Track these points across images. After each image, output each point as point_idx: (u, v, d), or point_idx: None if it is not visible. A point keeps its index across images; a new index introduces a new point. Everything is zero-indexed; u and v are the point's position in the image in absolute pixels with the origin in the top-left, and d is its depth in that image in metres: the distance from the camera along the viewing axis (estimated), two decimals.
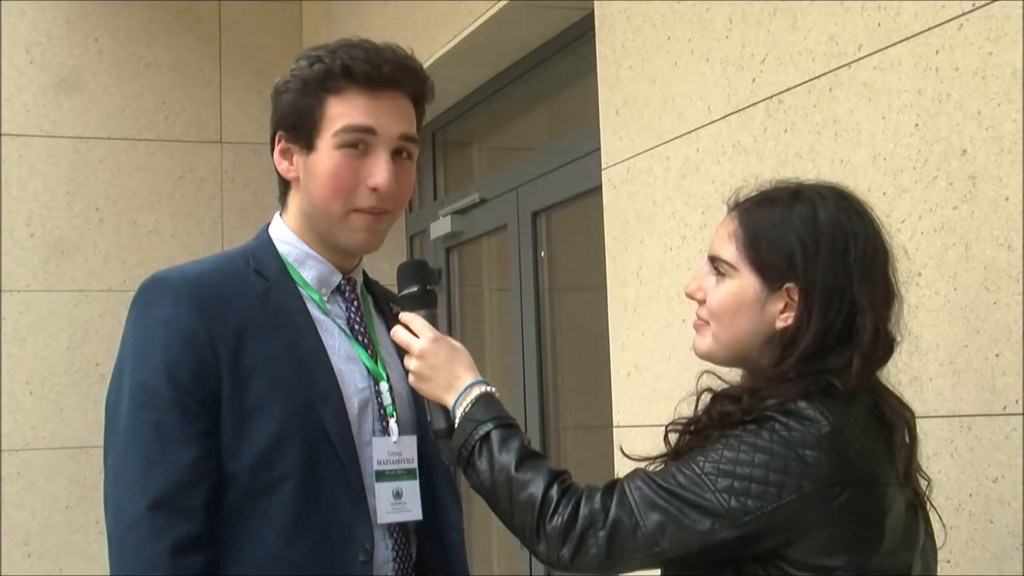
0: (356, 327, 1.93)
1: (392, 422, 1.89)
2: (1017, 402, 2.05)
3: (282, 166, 1.91)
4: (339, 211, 1.86)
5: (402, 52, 1.90)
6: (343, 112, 1.85)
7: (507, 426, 1.80)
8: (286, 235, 1.93)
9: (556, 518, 1.69)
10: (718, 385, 1.80)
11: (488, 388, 1.84)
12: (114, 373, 1.84)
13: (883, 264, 1.77)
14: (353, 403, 1.86)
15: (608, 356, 3.36)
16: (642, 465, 1.77)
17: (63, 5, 5.65)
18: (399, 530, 1.89)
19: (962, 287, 2.16)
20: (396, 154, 1.88)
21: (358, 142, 1.85)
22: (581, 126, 3.95)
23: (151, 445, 1.74)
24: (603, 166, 3.40)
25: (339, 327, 1.90)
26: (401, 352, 1.94)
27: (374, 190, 1.86)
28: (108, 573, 1.77)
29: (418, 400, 1.95)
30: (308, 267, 1.91)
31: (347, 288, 1.95)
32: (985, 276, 2.11)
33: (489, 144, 5.45)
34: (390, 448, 1.88)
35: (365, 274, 2.03)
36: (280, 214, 1.96)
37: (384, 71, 1.86)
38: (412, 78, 1.90)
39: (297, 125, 1.87)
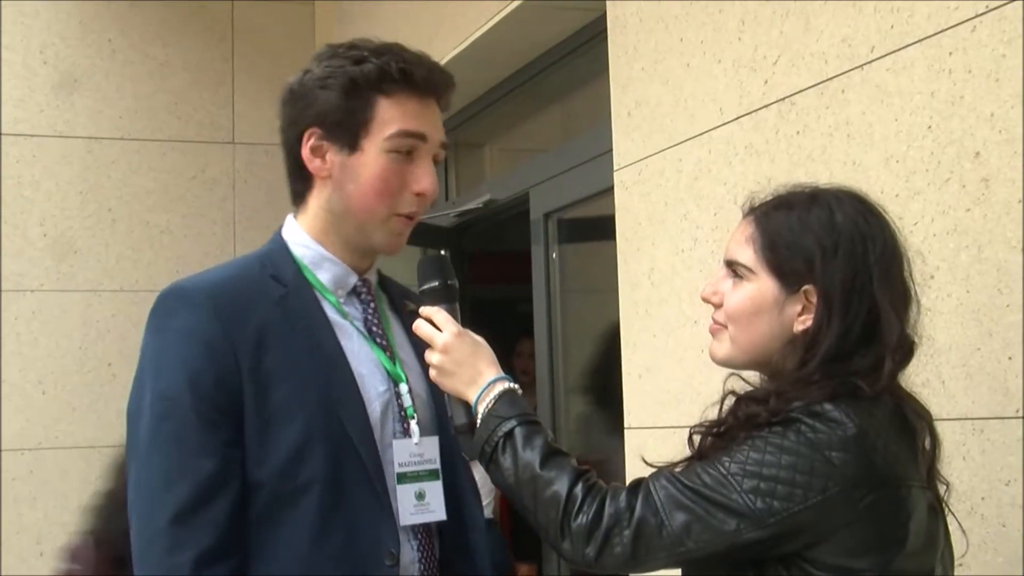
0: (374, 328, 1.92)
1: (413, 423, 1.89)
2: None
3: (314, 164, 1.87)
4: (383, 214, 1.86)
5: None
6: (396, 116, 1.84)
7: (531, 423, 1.80)
8: (300, 237, 1.92)
9: (581, 516, 1.69)
10: (742, 387, 1.80)
11: (511, 384, 1.84)
12: (134, 384, 1.83)
13: (900, 267, 1.77)
14: (375, 406, 1.85)
15: (619, 358, 3.36)
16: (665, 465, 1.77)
17: (76, 6, 5.67)
18: (423, 530, 1.89)
19: (975, 290, 2.16)
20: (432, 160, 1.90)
21: (410, 148, 1.85)
22: (593, 127, 3.95)
23: (172, 457, 1.74)
24: (615, 167, 3.40)
25: (357, 329, 1.90)
26: (420, 350, 1.93)
27: (419, 195, 1.86)
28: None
29: (438, 399, 1.94)
30: (324, 269, 1.90)
31: (363, 289, 1.94)
32: (998, 279, 2.11)
33: (501, 145, 5.45)
34: (411, 450, 1.87)
35: (380, 272, 2.02)
36: (294, 216, 1.95)
37: (434, 78, 1.88)
38: (450, 86, 1.92)
39: (341, 123, 1.84)
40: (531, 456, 1.75)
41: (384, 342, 1.92)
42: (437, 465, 1.89)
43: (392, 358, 1.92)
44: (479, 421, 1.82)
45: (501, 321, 5.22)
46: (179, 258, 5.62)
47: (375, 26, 5.04)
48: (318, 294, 1.88)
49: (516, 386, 1.85)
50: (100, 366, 5.49)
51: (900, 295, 1.75)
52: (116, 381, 5.35)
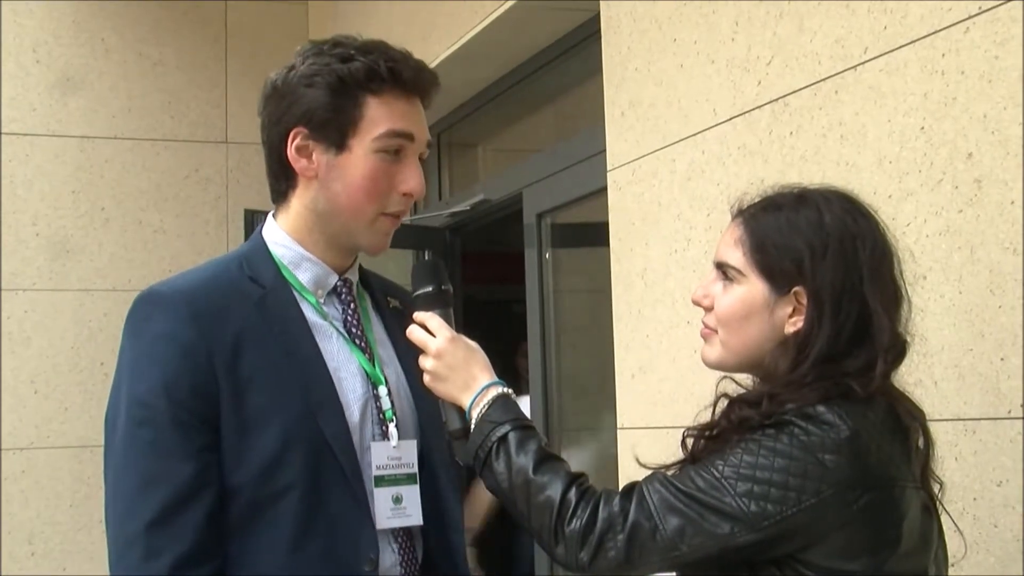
0: (353, 330, 1.90)
1: (391, 426, 1.87)
2: (1021, 406, 2.05)
3: (299, 164, 1.84)
4: (370, 214, 1.84)
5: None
6: (385, 115, 1.82)
7: (524, 428, 1.79)
8: (280, 237, 1.89)
9: (575, 521, 1.69)
10: (734, 390, 1.79)
11: (505, 389, 1.84)
12: (112, 389, 1.82)
13: (890, 266, 1.77)
14: (353, 410, 1.84)
15: (613, 358, 3.36)
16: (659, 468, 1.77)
17: (70, 5, 5.65)
18: (403, 533, 1.87)
19: (967, 290, 2.16)
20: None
21: (398, 148, 1.83)
22: (587, 128, 3.95)
23: (149, 462, 1.73)
24: (608, 168, 3.40)
25: (336, 330, 1.88)
26: (401, 350, 1.93)
27: (406, 195, 1.85)
28: None
29: (419, 401, 1.93)
30: (303, 269, 1.88)
31: (343, 289, 1.92)
32: (990, 280, 2.11)
33: (495, 145, 5.45)
34: (389, 453, 1.86)
35: (362, 268, 2.00)
36: (273, 215, 1.93)
37: (422, 77, 1.86)
38: (435, 86, 1.90)
39: (328, 123, 1.81)
40: (524, 461, 1.75)
41: (363, 343, 1.91)
42: (415, 469, 1.88)
43: (371, 360, 1.90)
44: (473, 426, 1.81)
45: (497, 322, 5.22)
46: (172, 257, 5.61)
47: (369, 26, 5.04)
48: (297, 295, 1.87)
49: (510, 391, 1.85)
50: (93, 365, 5.48)
51: (891, 295, 1.75)
52: (108, 381, 5.20)
